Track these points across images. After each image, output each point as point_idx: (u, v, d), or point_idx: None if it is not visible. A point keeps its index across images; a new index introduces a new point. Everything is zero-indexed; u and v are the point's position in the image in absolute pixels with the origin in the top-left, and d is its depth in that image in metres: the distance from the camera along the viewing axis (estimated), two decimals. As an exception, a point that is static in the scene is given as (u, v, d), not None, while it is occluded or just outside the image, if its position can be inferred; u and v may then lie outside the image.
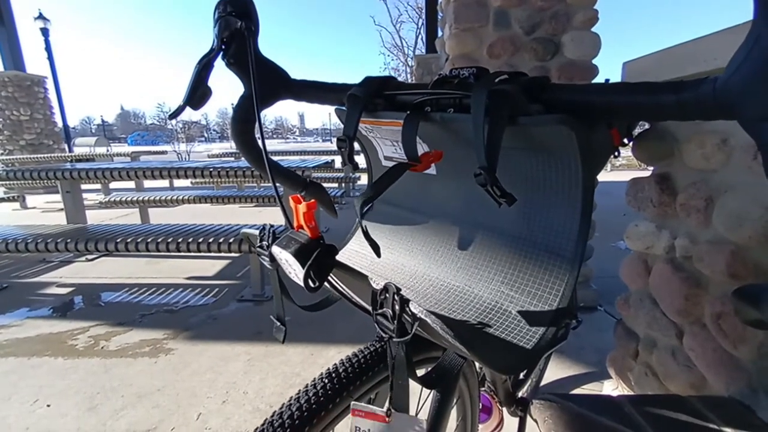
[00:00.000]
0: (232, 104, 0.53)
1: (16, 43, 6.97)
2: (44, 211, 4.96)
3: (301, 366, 1.48)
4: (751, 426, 0.58)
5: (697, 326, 0.77)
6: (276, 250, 0.40)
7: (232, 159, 5.21)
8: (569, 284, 0.43)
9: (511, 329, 0.43)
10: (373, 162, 0.63)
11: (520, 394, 0.90)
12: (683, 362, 0.80)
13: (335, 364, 0.45)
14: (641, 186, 0.90)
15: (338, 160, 0.70)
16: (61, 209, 2.99)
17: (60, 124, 7.83)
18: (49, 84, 7.32)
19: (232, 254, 2.06)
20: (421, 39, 15.20)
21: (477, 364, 0.73)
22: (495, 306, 0.47)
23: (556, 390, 1.31)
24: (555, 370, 1.41)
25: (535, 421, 0.62)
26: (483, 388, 0.88)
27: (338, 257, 0.38)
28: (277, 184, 0.50)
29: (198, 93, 0.46)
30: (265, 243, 0.43)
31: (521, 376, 0.97)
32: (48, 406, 1.29)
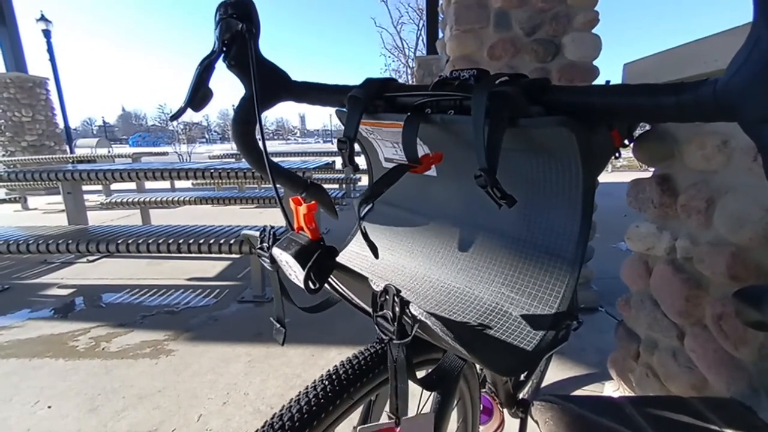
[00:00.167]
0: (233, 105, 0.53)
1: (18, 45, 6.99)
2: (46, 213, 4.97)
3: (302, 367, 1.48)
4: (752, 427, 0.57)
5: (698, 327, 0.76)
6: (276, 251, 0.40)
7: (233, 160, 5.21)
8: (570, 286, 0.43)
9: (512, 331, 0.43)
10: (374, 164, 0.63)
11: (521, 396, 0.90)
12: (684, 363, 0.80)
13: (335, 366, 0.45)
14: (642, 187, 0.90)
15: (339, 162, 0.70)
16: (63, 210, 3.00)
17: (61, 125, 7.86)
18: (51, 85, 7.34)
19: (233, 255, 2.06)
20: (422, 40, 15.21)
21: (478, 366, 0.73)
22: (495, 307, 0.47)
23: (557, 391, 1.31)
24: (556, 371, 1.41)
25: (536, 422, 0.62)
26: (484, 390, 0.88)
27: (339, 259, 0.38)
28: (278, 186, 0.50)
29: (199, 95, 0.46)
30: (265, 245, 0.43)
31: (522, 377, 0.96)
32: (49, 407, 1.29)
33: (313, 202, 0.40)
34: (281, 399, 1.31)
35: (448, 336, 0.29)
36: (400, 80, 0.59)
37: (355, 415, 0.52)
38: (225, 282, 2.42)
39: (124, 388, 1.38)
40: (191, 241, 2.02)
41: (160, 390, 1.37)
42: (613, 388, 1.11)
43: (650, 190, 0.86)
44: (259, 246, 0.44)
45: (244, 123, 0.50)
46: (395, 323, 0.32)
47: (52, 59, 9.77)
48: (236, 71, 0.48)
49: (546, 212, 0.45)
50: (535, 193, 0.45)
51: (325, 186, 4.13)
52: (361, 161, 0.67)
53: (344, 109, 0.49)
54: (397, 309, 0.31)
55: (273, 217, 4.19)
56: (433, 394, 0.54)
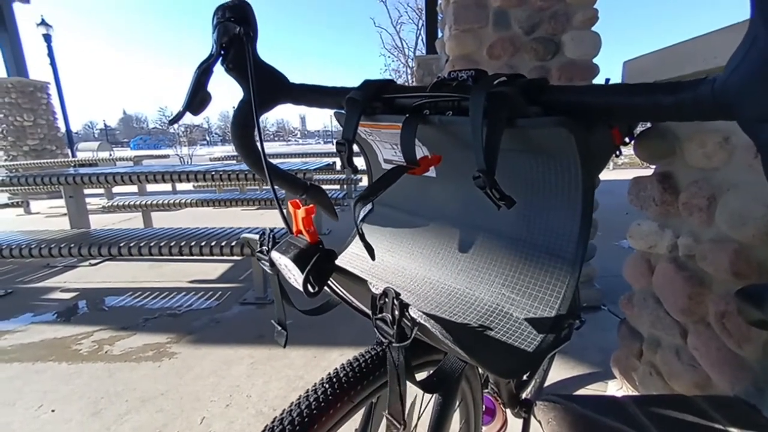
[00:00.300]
0: (233, 107, 0.53)
1: (19, 50, 7.03)
2: (48, 216, 4.98)
3: (304, 369, 1.48)
4: (757, 425, 0.57)
5: (702, 325, 0.76)
6: (275, 255, 0.40)
7: (234, 162, 5.22)
8: (570, 286, 0.42)
9: (513, 332, 0.43)
10: (373, 165, 0.63)
11: (523, 396, 0.90)
12: (688, 362, 0.80)
13: (336, 368, 0.45)
14: (643, 185, 0.90)
15: (339, 162, 0.70)
16: (65, 214, 3.01)
17: (63, 129, 7.90)
18: (52, 89, 7.37)
19: (235, 257, 2.06)
20: (422, 40, 15.16)
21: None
22: (496, 309, 0.46)
23: (560, 391, 1.31)
24: (559, 371, 1.40)
25: (539, 422, 0.62)
26: (486, 390, 0.88)
27: (339, 261, 0.38)
28: (277, 188, 0.50)
29: (197, 98, 0.46)
30: (265, 248, 0.43)
31: (525, 377, 0.96)
32: (52, 411, 1.30)
33: (311, 205, 0.40)
34: (284, 401, 1.31)
35: (447, 339, 0.29)
36: (400, 80, 0.59)
37: (357, 418, 0.52)
38: (227, 284, 2.43)
39: (127, 392, 1.38)
40: (193, 244, 2.02)
41: (163, 393, 1.37)
42: (616, 387, 1.10)
43: (651, 188, 0.86)
44: (258, 249, 0.43)
45: (243, 126, 0.50)
46: (394, 326, 0.32)
47: (52, 63, 9.81)
48: (234, 74, 0.48)
49: (546, 213, 0.45)
50: (535, 193, 0.45)
51: (326, 187, 4.14)
52: (360, 162, 0.66)
53: (343, 111, 0.49)
54: (396, 312, 0.31)
55: (274, 219, 4.19)
56: (434, 396, 0.54)
